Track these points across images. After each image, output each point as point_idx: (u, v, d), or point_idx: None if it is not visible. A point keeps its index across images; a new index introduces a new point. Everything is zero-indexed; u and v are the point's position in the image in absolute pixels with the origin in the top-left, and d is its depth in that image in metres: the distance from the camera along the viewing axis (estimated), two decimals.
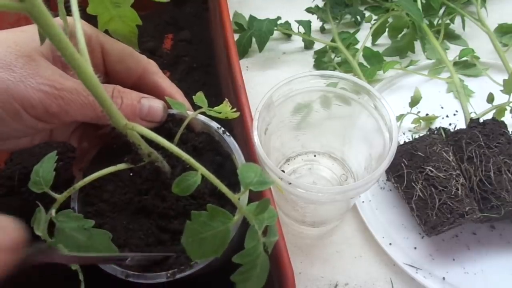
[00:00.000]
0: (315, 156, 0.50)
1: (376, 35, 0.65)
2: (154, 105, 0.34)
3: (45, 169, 0.27)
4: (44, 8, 0.19)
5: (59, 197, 0.27)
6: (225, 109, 0.35)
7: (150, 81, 0.37)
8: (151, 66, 0.37)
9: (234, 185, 0.30)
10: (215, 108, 0.35)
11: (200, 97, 0.35)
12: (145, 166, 0.32)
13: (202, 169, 0.26)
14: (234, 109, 0.35)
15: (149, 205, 0.33)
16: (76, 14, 0.25)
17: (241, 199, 0.27)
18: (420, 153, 0.44)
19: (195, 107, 0.35)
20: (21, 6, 0.18)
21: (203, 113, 0.36)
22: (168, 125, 0.36)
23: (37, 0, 0.19)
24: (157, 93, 0.36)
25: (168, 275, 0.30)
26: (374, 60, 0.62)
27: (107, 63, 0.35)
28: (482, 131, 0.45)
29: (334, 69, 0.62)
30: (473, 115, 0.50)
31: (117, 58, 0.35)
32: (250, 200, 0.27)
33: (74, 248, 0.26)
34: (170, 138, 0.34)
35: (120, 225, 0.32)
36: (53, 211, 0.26)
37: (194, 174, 0.26)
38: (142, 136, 0.28)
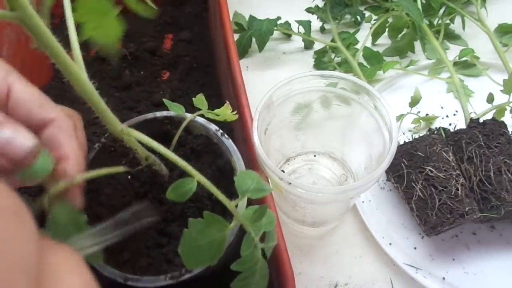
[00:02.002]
0: (315, 156, 0.50)
1: (376, 35, 0.65)
2: (15, 139, 0.25)
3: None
4: (36, 17, 0.19)
5: (53, 188, 0.26)
6: (226, 112, 0.35)
7: (49, 134, 0.30)
8: (62, 122, 0.30)
9: (233, 189, 0.30)
10: (215, 110, 0.35)
11: (200, 99, 0.35)
12: (143, 170, 0.32)
13: (199, 176, 0.26)
14: (235, 111, 0.35)
15: (147, 209, 0.33)
16: (70, 21, 0.25)
17: (239, 204, 0.27)
18: (420, 153, 0.44)
19: (194, 109, 0.35)
20: (13, 15, 0.18)
21: (202, 115, 0.36)
22: (166, 128, 0.36)
23: (29, 9, 0.19)
24: (53, 147, 0.30)
25: (167, 278, 0.30)
26: (374, 60, 0.62)
27: (10, 103, 0.29)
28: (482, 131, 0.45)
29: (334, 69, 0.62)
30: (473, 115, 0.50)
31: (22, 105, 0.29)
32: (250, 203, 0.27)
33: (63, 239, 0.26)
34: (168, 141, 0.35)
35: None
36: (45, 199, 0.26)
37: (190, 180, 0.26)
38: (139, 141, 0.28)
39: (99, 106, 0.25)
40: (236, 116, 0.35)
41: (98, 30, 0.30)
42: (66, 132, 0.30)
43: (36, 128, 0.30)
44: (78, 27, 0.30)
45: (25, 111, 0.29)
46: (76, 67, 0.23)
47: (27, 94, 0.29)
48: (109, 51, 0.34)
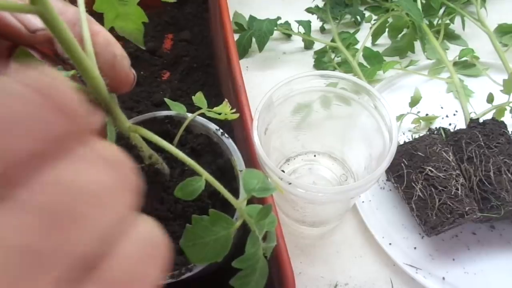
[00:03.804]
0: (315, 156, 0.50)
1: (376, 35, 0.65)
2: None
3: None
4: (54, 12, 0.20)
5: None
6: (225, 109, 0.35)
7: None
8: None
9: (233, 188, 0.30)
10: (215, 108, 0.35)
11: (199, 98, 0.35)
12: (143, 169, 0.32)
13: (206, 175, 0.26)
14: (234, 110, 0.35)
15: (147, 208, 0.33)
16: (83, 15, 0.25)
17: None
18: (420, 153, 0.44)
19: (194, 108, 0.35)
20: (33, 8, 0.19)
21: (202, 114, 0.36)
22: (166, 127, 0.36)
23: (49, 3, 0.19)
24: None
25: (167, 277, 0.30)
26: (374, 60, 0.62)
27: None
28: (482, 131, 0.45)
29: (334, 69, 0.62)
30: (473, 115, 0.50)
31: None
32: (250, 202, 0.28)
33: None
34: (168, 140, 0.34)
35: None
36: None
37: (198, 179, 0.26)
38: (144, 139, 0.28)
39: (109, 102, 0.25)
40: (237, 115, 0.35)
41: (120, 20, 0.30)
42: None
43: None
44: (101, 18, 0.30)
45: None
46: (91, 63, 0.23)
47: None
48: (135, 41, 0.34)
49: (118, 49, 0.26)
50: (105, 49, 0.26)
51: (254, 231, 0.25)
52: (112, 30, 0.33)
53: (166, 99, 0.34)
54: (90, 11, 0.28)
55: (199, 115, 0.36)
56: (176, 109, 0.34)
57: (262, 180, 0.27)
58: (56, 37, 0.21)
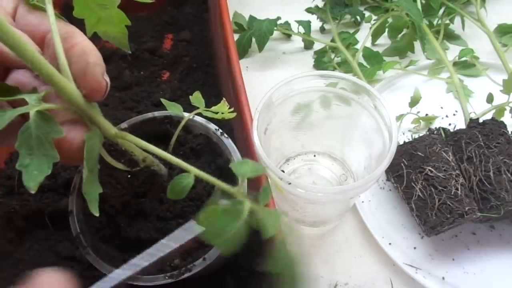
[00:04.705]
0: (315, 156, 0.50)
1: (376, 35, 0.65)
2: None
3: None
4: (11, 29, 0.19)
5: None
6: (223, 109, 0.35)
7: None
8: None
9: (233, 186, 0.30)
10: (213, 108, 0.35)
11: (197, 97, 0.35)
12: (142, 169, 0.32)
13: (195, 171, 0.26)
14: (232, 109, 0.35)
15: (146, 208, 0.33)
16: (54, 27, 0.24)
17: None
18: (419, 153, 0.44)
19: (194, 108, 0.35)
20: None
21: (201, 114, 0.36)
22: (166, 127, 0.36)
23: (4, 23, 0.19)
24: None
25: (167, 277, 0.30)
26: (374, 60, 0.62)
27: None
28: (482, 131, 0.45)
29: (334, 69, 0.62)
30: (472, 115, 0.50)
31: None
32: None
33: None
34: (168, 140, 0.34)
35: (118, 228, 0.32)
36: None
37: (186, 176, 0.26)
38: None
39: (89, 112, 0.25)
40: (234, 114, 0.35)
41: (102, 24, 0.29)
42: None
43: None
44: (83, 23, 0.30)
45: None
46: (61, 77, 0.23)
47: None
48: (119, 44, 0.33)
49: (92, 58, 0.26)
50: (80, 58, 0.26)
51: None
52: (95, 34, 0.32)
53: (162, 100, 0.34)
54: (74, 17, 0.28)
55: (197, 114, 0.36)
56: (172, 109, 0.34)
57: (250, 164, 0.27)
58: (18, 55, 0.20)
